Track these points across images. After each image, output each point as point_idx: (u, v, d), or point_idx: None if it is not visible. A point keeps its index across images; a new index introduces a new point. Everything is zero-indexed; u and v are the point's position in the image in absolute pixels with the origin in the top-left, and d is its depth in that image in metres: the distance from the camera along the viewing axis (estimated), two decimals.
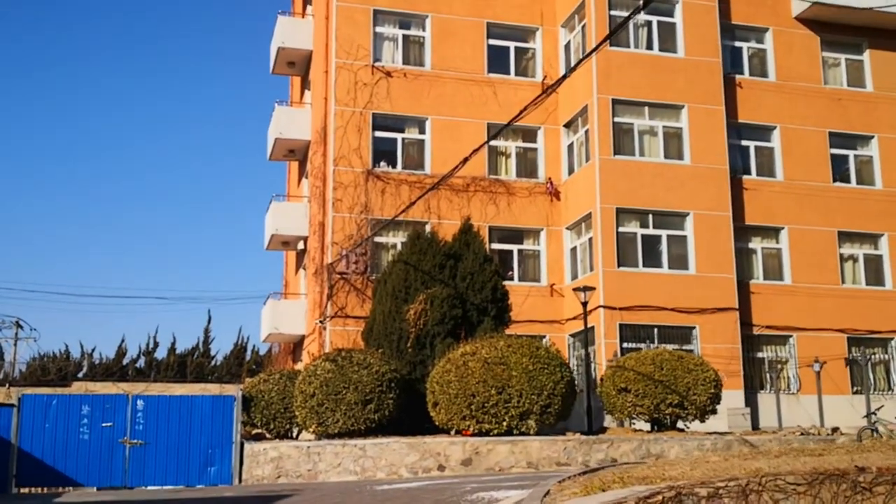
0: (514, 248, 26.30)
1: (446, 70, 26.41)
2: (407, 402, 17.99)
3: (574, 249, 26.08)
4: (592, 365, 23.02)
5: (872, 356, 26.50)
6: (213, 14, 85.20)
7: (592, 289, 21.82)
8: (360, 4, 26.14)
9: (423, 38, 26.74)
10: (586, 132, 25.73)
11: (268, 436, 19.24)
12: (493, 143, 25.81)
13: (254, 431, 19.39)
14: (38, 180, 78.16)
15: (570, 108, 26.56)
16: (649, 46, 26.31)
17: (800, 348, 25.89)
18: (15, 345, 38.42)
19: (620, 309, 23.98)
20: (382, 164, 25.65)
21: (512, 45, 27.39)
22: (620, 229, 24.72)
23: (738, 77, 27.28)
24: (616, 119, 25.36)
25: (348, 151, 25.21)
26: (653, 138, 25.77)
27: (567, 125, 26.94)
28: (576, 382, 18.55)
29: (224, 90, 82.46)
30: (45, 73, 78.62)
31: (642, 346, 23.39)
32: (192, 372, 42.59)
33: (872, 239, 27.66)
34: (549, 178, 26.51)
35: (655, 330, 24.29)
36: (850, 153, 28.16)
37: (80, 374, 42.29)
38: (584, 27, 26.18)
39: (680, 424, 19.28)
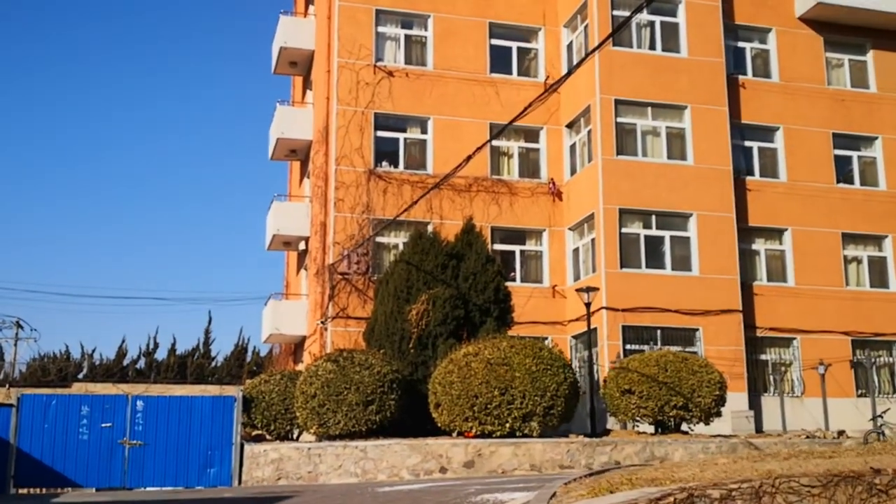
0: (517, 248, 26.17)
1: (448, 70, 26.29)
2: (409, 403, 17.85)
3: (576, 250, 25.93)
4: (595, 366, 22.87)
5: (877, 359, 26.33)
6: (214, 14, 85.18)
7: (596, 290, 21.67)
8: (362, 4, 26.03)
9: (426, 37, 26.62)
10: (589, 132, 25.60)
11: (268, 437, 19.09)
12: (495, 143, 25.69)
13: (254, 433, 19.24)
14: (38, 181, 78.14)
15: (572, 108, 26.42)
16: (652, 46, 26.19)
17: (804, 350, 25.73)
18: (15, 345, 38.33)
19: (623, 310, 23.83)
20: (384, 163, 25.53)
21: (514, 45, 27.28)
22: (623, 230, 24.58)
23: (741, 77, 27.15)
24: (619, 119, 25.23)
25: (350, 151, 25.10)
26: (656, 139, 25.63)
27: (569, 125, 26.80)
28: (579, 384, 18.40)
29: (225, 90, 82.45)
30: (45, 74, 78.62)
31: (645, 347, 23.23)
32: (193, 373, 42.47)
33: (876, 240, 27.51)
34: (552, 179, 26.38)
35: (658, 331, 24.15)
36: (854, 154, 28.02)
37: (81, 375, 42.21)
38: (586, 27, 26.06)
39: (684, 427, 19.14)
